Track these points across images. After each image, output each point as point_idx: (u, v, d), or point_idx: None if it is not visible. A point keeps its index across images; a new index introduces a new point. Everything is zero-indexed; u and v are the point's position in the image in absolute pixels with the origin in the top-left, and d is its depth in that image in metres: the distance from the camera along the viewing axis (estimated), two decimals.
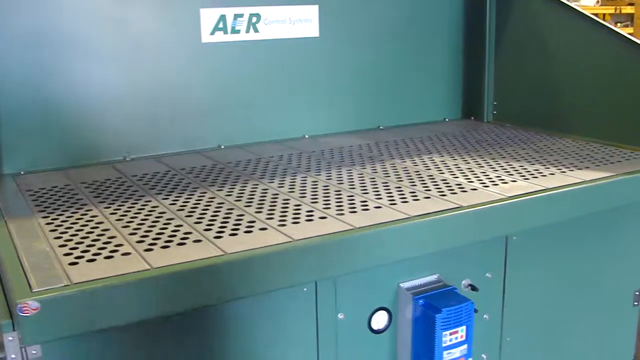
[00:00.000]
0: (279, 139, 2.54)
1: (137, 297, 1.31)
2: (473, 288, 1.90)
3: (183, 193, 1.85)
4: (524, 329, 2.08)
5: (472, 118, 2.83)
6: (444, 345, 1.72)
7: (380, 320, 1.78)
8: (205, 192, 1.85)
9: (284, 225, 1.61)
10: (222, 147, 2.46)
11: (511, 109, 2.72)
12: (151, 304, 1.33)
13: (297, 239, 1.53)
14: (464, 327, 1.75)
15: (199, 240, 1.49)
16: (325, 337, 1.71)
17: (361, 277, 1.72)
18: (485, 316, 1.98)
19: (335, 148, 2.38)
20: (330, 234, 1.55)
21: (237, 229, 1.57)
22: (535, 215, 1.84)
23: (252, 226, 1.60)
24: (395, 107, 2.74)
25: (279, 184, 1.93)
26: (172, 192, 1.86)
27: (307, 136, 2.60)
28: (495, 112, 2.76)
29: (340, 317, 1.72)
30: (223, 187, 1.90)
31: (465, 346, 1.76)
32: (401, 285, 1.79)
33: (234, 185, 1.91)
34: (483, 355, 2.01)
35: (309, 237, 1.54)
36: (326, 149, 2.37)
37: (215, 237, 1.51)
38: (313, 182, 1.94)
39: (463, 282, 1.90)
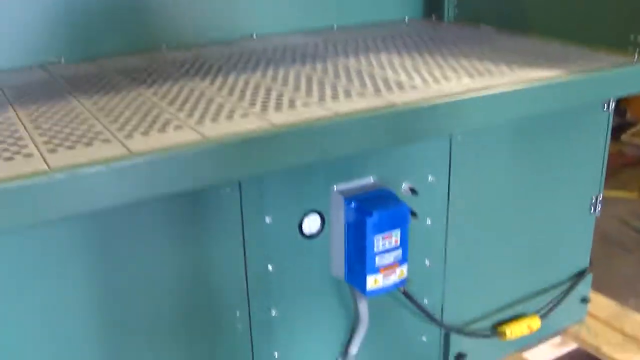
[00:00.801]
0: (225, 39, 2.39)
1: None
2: (413, 191, 1.80)
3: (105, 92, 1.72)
4: (471, 234, 2.00)
5: (433, 17, 2.68)
6: (376, 250, 1.65)
7: (312, 224, 1.70)
8: (130, 91, 1.72)
9: (201, 123, 1.50)
10: (165, 47, 2.31)
11: (474, 7, 2.56)
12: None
13: (211, 136, 1.42)
14: (397, 231, 1.66)
15: None
16: (252, 241, 1.63)
17: (290, 179, 1.63)
18: (427, 221, 1.89)
19: (280, 47, 2.24)
20: (246, 132, 1.44)
21: (151, 127, 1.46)
22: (476, 114, 1.73)
23: (167, 125, 1.48)
24: (351, 5, 2.58)
25: (210, 82, 1.81)
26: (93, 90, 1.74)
27: (255, 35, 2.46)
28: (457, 11, 2.61)
29: (268, 220, 1.63)
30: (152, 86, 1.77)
31: (399, 251, 1.68)
32: (334, 187, 1.69)
33: (163, 84, 1.79)
34: (426, 261, 1.94)
35: (225, 135, 1.43)
36: (270, 48, 2.23)
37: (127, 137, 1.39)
38: (245, 80, 1.81)
39: (403, 185, 1.81)
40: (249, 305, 1.69)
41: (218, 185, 1.51)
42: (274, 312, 1.74)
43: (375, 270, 1.66)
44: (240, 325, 1.70)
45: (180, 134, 1.37)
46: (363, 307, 1.79)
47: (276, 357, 1.79)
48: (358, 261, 1.67)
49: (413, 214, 1.81)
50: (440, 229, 1.93)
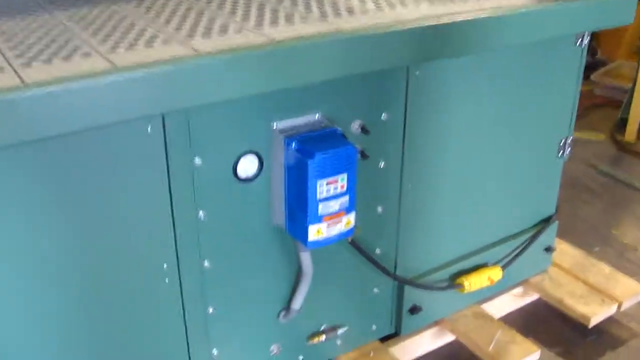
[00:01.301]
0: None
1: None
2: (364, 131, 1.61)
3: None
4: (428, 178, 1.83)
5: None
6: (319, 196, 1.46)
7: (248, 166, 1.51)
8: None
9: (113, 52, 1.28)
10: None
11: None
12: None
13: (121, 66, 1.21)
14: (344, 176, 1.48)
15: None
16: (180, 185, 1.44)
17: (223, 115, 1.43)
18: (380, 163, 1.71)
19: None
20: (165, 60, 1.23)
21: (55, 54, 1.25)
22: (435, 45, 1.53)
23: (75, 51, 1.27)
24: None
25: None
26: None
27: None
28: None
29: (197, 161, 1.43)
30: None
31: (346, 198, 1.50)
32: (274, 125, 1.49)
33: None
34: (378, 208, 1.77)
35: (139, 63, 1.22)
36: None
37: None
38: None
39: (353, 124, 1.61)
40: (177, 257, 1.51)
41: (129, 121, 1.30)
42: (207, 264, 1.55)
43: (318, 220, 1.48)
44: (168, 279, 1.52)
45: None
46: (306, 258, 1.62)
47: (210, 312, 1.61)
48: (299, 209, 1.49)
49: (363, 155, 1.62)
50: (394, 172, 1.75)
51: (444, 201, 1.88)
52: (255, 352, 1.75)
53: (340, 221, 1.51)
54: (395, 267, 1.89)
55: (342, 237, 1.54)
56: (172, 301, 1.55)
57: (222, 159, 1.48)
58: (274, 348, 1.77)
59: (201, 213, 1.50)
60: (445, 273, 1.98)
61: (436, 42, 1.53)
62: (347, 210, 1.52)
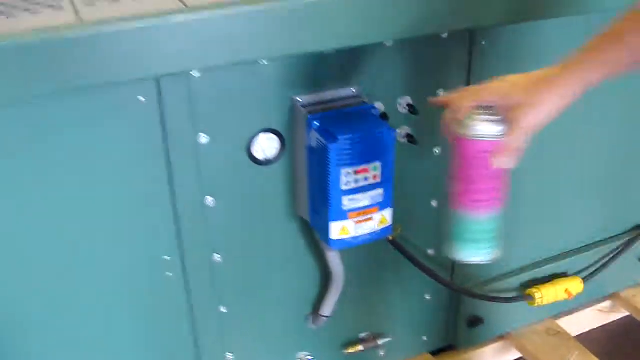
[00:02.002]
0: None
1: None
2: (413, 110, 1.32)
3: None
4: None
5: None
6: (344, 188, 1.19)
7: (266, 147, 1.26)
8: None
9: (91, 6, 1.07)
10: None
11: None
12: None
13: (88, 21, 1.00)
14: (377, 164, 1.20)
15: None
16: (182, 166, 1.21)
17: (236, 82, 1.18)
18: (435, 150, 1.42)
19: None
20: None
21: None
22: (510, 5, 1.23)
23: None
24: None
25: None
26: None
27: None
28: None
29: (203, 139, 1.20)
30: None
31: (379, 191, 1.23)
32: (298, 98, 1.23)
33: None
34: (433, 202, 1.48)
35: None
36: None
37: None
38: None
39: (399, 102, 1.33)
40: (181, 248, 1.29)
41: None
42: (217, 257, 1.33)
43: (343, 216, 1.21)
44: (171, 273, 1.31)
45: None
46: (334, 259, 1.37)
47: (223, 312, 1.39)
48: (321, 202, 1.23)
49: (411, 139, 1.34)
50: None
51: (515, 198, 1.56)
52: (278, 359, 1.52)
53: (372, 219, 1.24)
54: (453, 272, 1.59)
55: (375, 237, 1.27)
56: (177, 297, 1.34)
57: (233, 137, 1.24)
58: (302, 356, 1.53)
59: (209, 200, 1.26)
60: (514, 281, 1.67)
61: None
62: (382, 206, 1.24)
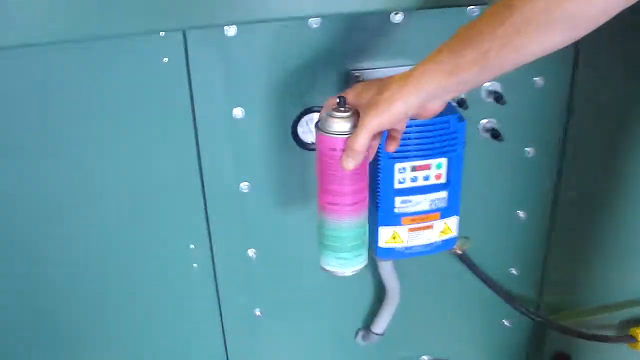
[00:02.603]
0: None
1: None
2: (499, 99, 1.08)
3: None
4: (602, 181, 1.24)
5: None
6: (396, 186, 0.97)
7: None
8: None
9: None
10: None
11: None
12: None
13: None
14: (442, 161, 0.97)
15: None
16: (210, 145, 1.04)
17: (280, 49, 0.99)
18: (527, 151, 1.16)
19: None
20: None
21: None
22: None
23: None
24: None
25: None
26: None
27: None
28: None
29: (238, 113, 1.01)
30: None
31: (443, 194, 0.99)
32: (355, 73, 1.02)
33: None
34: (520, 212, 1.23)
35: None
36: None
37: None
38: None
39: (482, 89, 1.09)
40: (209, 237, 1.11)
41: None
42: (252, 253, 1.15)
43: (394, 220, 0.99)
44: (196, 264, 1.13)
45: None
46: (385, 271, 1.14)
47: (257, 315, 1.20)
48: (370, 201, 1.01)
49: (495, 134, 1.09)
50: (547, 165, 1.19)
51: (623, 216, 1.28)
52: None
53: (432, 227, 1.01)
54: (541, 296, 1.33)
55: (433, 250, 1.04)
56: (204, 294, 1.16)
57: (275, 114, 1.04)
58: None
59: (243, 185, 1.07)
60: (614, 318, 1.38)
61: None
62: (445, 213, 1.01)
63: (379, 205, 0.99)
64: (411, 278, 1.21)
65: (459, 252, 1.15)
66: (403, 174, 0.97)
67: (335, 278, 1.00)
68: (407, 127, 0.89)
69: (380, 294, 1.23)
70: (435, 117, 0.89)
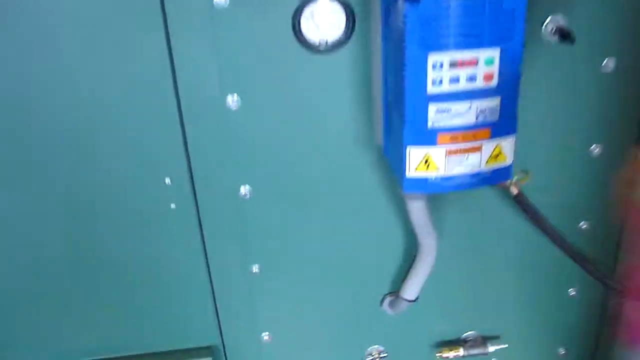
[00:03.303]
0: None
1: None
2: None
3: None
4: None
5: None
6: (430, 89, 0.70)
7: (325, 23, 0.79)
8: None
9: None
10: None
11: None
12: None
13: None
14: (493, 52, 0.69)
15: None
16: (187, 38, 0.78)
17: None
18: (605, 62, 0.88)
19: None
20: None
21: None
22: None
23: None
24: None
25: None
26: None
27: None
28: None
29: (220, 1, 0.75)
30: None
31: (495, 101, 0.72)
32: None
33: None
34: (593, 148, 0.94)
35: None
36: None
37: None
38: None
39: None
40: (190, 169, 0.86)
41: None
42: (245, 191, 0.89)
43: (426, 138, 0.73)
44: (174, 204, 0.88)
45: None
46: (417, 216, 0.87)
47: (254, 272, 0.95)
48: (396, 113, 0.74)
49: (565, 33, 0.81)
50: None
51: None
52: (338, 354, 1.06)
53: (479, 148, 0.73)
54: (616, 260, 1.04)
55: (481, 182, 0.77)
56: (186, 244, 0.91)
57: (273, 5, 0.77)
58: (373, 352, 1.05)
59: (231, 98, 0.81)
60: None
61: None
62: (498, 129, 0.73)
63: (405, 116, 0.71)
64: (450, 229, 0.94)
65: (515, 190, 0.86)
66: (439, 71, 0.70)
67: (351, 230, 0.74)
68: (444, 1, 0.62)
69: (411, 249, 0.96)
70: None
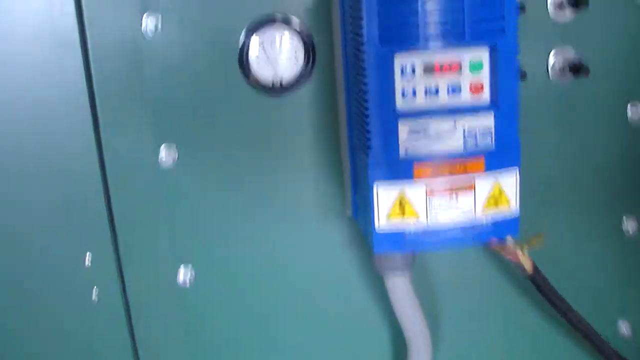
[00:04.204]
0: None
1: None
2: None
3: None
4: None
5: None
6: (399, 104, 0.53)
7: (277, 56, 0.65)
8: None
9: None
10: None
11: None
12: None
13: None
14: (481, 55, 0.52)
15: None
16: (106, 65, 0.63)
17: None
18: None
19: None
20: None
21: None
22: None
23: None
24: None
25: None
26: None
27: None
28: None
29: (150, 25, 0.62)
30: None
31: (487, 120, 0.53)
32: None
33: None
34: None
35: None
36: None
37: None
38: None
39: None
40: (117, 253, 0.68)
41: None
42: (183, 278, 0.69)
43: (398, 170, 0.54)
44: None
45: None
46: (400, 298, 0.65)
47: None
48: (359, 141, 0.57)
49: (577, 66, 0.65)
50: None
51: None
52: None
53: (473, 186, 0.54)
54: None
55: (480, 237, 0.57)
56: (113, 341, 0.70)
57: (208, 27, 0.63)
58: None
59: (165, 153, 0.65)
60: None
61: None
62: (494, 159, 0.55)
63: (369, 140, 0.54)
64: (447, 315, 0.72)
65: (529, 266, 0.65)
66: (410, 79, 0.53)
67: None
68: None
69: (402, 346, 0.74)
70: None
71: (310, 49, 0.65)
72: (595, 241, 0.73)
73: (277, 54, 0.65)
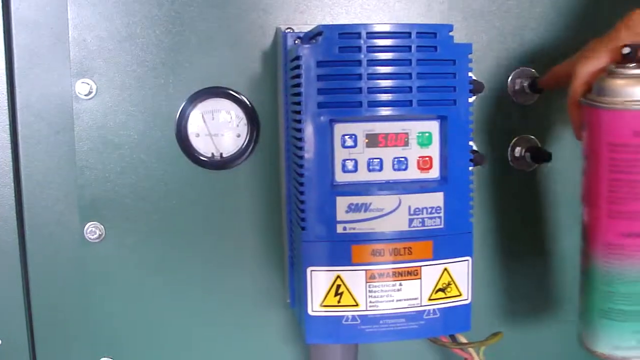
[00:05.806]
0: None
1: None
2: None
3: None
4: None
5: None
6: (338, 178, 0.48)
7: (219, 130, 0.61)
8: None
9: None
10: None
11: None
12: None
13: None
14: (428, 126, 0.48)
15: None
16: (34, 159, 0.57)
17: None
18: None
19: None
20: None
21: None
22: None
23: None
24: None
25: None
26: None
27: None
28: None
29: (83, 90, 0.57)
30: None
31: (436, 199, 0.48)
32: (286, 30, 0.58)
33: None
34: None
35: None
36: None
37: None
38: None
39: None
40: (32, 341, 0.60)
41: None
42: None
43: (335, 253, 0.47)
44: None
45: None
46: None
47: None
48: (294, 218, 0.51)
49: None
50: None
51: None
52: None
53: (419, 272, 0.48)
54: None
55: (427, 332, 0.50)
56: None
57: (146, 100, 0.59)
58: None
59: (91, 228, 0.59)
60: None
61: None
62: (443, 244, 0.49)
63: (303, 214, 0.48)
64: None
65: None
66: (352, 150, 0.48)
67: None
68: (342, 34, 0.43)
69: None
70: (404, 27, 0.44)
71: (254, 122, 0.60)
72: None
73: (218, 127, 0.60)
